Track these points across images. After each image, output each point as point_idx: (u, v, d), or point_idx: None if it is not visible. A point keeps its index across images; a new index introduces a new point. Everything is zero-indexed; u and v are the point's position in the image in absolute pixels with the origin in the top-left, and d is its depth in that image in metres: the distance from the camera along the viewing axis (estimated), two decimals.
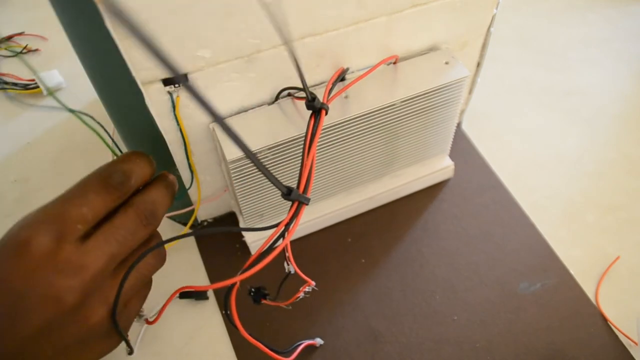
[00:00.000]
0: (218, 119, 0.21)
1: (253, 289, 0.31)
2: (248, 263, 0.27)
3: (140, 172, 0.29)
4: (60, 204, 0.26)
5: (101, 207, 0.27)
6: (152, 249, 0.28)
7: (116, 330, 0.27)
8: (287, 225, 0.28)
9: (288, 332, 0.41)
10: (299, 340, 0.39)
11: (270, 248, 0.28)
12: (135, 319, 0.31)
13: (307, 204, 0.28)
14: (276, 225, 0.28)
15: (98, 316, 0.26)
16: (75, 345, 0.26)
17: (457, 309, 0.42)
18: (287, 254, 0.29)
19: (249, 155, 0.23)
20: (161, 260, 0.30)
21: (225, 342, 0.41)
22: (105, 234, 0.27)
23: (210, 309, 0.42)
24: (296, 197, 0.28)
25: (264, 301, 0.32)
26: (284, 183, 0.39)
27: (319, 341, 0.40)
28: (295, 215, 0.28)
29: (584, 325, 0.41)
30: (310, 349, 0.40)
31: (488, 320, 0.41)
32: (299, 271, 0.31)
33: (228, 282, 0.27)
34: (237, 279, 0.27)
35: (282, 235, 0.28)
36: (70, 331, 0.26)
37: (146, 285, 0.31)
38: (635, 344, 0.40)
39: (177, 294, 0.31)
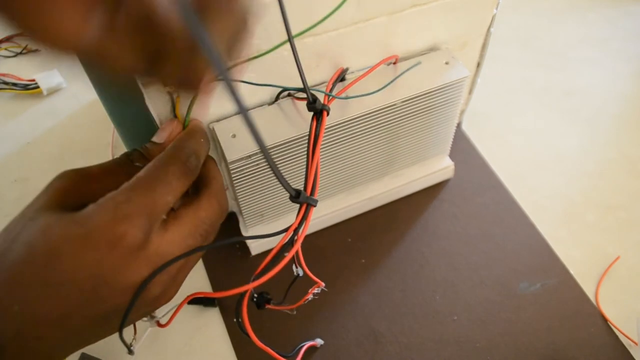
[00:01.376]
0: (244, 113, 0.20)
1: (256, 295, 0.31)
2: (260, 269, 0.27)
3: (205, 152, 0.29)
4: (148, 193, 0.25)
5: (181, 191, 0.27)
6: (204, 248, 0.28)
7: (120, 334, 0.27)
8: (297, 228, 0.27)
9: (288, 332, 0.41)
10: (299, 340, 0.39)
11: (281, 253, 0.27)
12: (147, 319, 0.31)
13: (315, 206, 0.28)
14: (285, 230, 0.27)
15: (167, 299, 0.27)
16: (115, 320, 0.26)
17: (457, 309, 0.42)
18: (298, 257, 0.29)
19: (266, 156, 0.23)
20: (223, 210, 0.29)
21: (225, 342, 0.41)
22: (191, 226, 0.27)
23: (210, 309, 0.42)
24: (305, 200, 0.27)
25: (268, 306, 0.31)
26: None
27: (319, 341, 0.40)
28: (304, 218, 0.27)
29: (584, 325, 0.41)
30: (311, 349, 0.40)
31: (488, 320, 0.41)
32: (309, 273, 0.30)
33: (240, 290, 0.26)
34: (250, 286, 0.27)
35: (292, 240, 0.28)
36: (140, 314, 0.27)
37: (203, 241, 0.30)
38: (635, 344, 0.40)
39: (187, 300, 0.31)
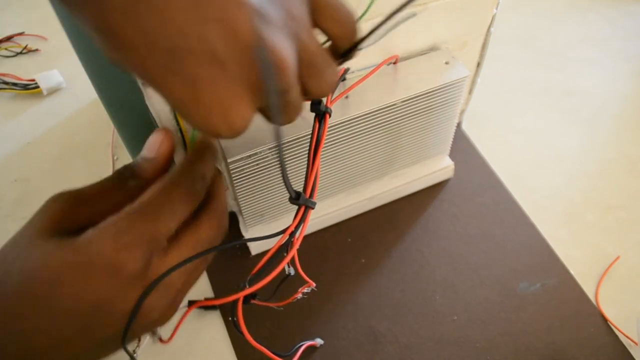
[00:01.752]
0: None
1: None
2: (255, 270, 0.27)
3: (212, 172, 0.28)
4: (150, 220, 0.25)
5: (185, 217, 0.26)
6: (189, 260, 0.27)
7: (124, 345, 0.26)
8: (294, 230, 0.27)
9: (288, 332, 0.41)
10: (299, 340, 0.39)
11: (278, 255, 0.27)
12: (149, 335, 0.31)
13: (313, 209, 0.28)
14: (283, 232, 0.27)
15: (165, 321, 0.27)
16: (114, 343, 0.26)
17: (457, 309, 0.42)
18: (292, 257, 0.29)
19: (279, 152, 0.23)
20: (222, 230, 0.29)
21: (225, 342, 0.41)
22: (191, 249, 0.26)
23: (210, 311, 0.42)
24: (304, 202, 0.27)
25: (253, 301, 0.31)
26: (281, 183, 0.39)
27: (319, 341, 0.40)
28: (302, 220, 0.27)
29: (584, 325, 0.41)
30: (311, 349, 0.40)
31: (488, 320, 0.41)
32: (302, 272, 0.30)
33: (238, 296, 0.26)
34: (248, 291, 0.26)
35: (289, 242, 0.27)
36: (139, 334, 0.26)
37: (202, 262, 0.29)
38: (635, 344, 0.40)
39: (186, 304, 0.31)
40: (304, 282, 0.32)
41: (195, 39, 0.19)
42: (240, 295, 0.26)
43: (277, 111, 0.22)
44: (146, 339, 0.41)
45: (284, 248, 0.27)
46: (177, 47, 0.19)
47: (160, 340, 0.32)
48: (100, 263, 0.23)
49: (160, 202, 0.25)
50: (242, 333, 0.28)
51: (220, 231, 0.28)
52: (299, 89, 0.23)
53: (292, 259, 0.29)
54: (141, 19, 0.18)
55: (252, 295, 0.30)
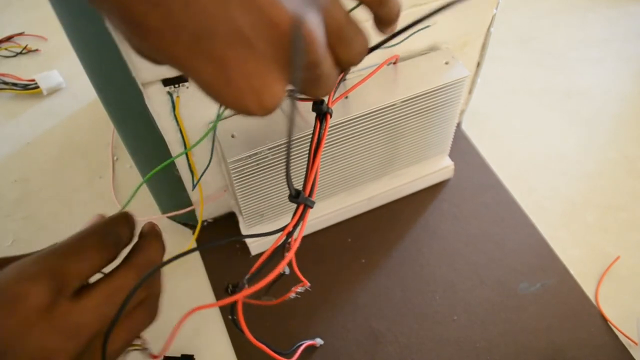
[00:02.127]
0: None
1: (231, 286, 0.30)
2: (254, 268, 0.27)
3: (129, 233, 0.28)
4: (58, 258, 0.24)
5: (98, 264, 0.26)
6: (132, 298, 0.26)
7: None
8: (293, 229, 0.27)
9: (288, 332, 0.41)
10: (299, 340, 0.39)
11: (279, 252, 0.27)
12: (140, 351, 0.30)
13: (312, 208, 0.28)
14: (282, 230, 0.27)
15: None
16: None
17: (457, 309, 0.42)
18: (290, 257, 0.29)
19: (288, 147, 0.23)
20: (151, 317, 0.28)
21: (225, 342, 0.41)
22: (104, 294, 0.25)
23: (210, 309, 0.42)
24: (303, 200, 0.27)
25: (246, 301, 0.31)
26: (284, 183, 0.39)
27: (319, 341, 0.40)
28: (301, 219, 0.27)
29: (584, 325, 0.41)
30: (310, 349, 0.40)
31: (488, 320, 0.41)
32: (297, 271, 0.30)
33: (232, 299, 0.26)
34: (242, 295, 0.26)
35: (287, 241, 0.27)
36: None
37: (132, 341, 0.28)
38: (635, 343, 0.40)
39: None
40: (300, 281, 0.32)
41: (220, 19, 0.19)
42: (239, 297, 0.26)
43: (310, 85, 0.22)
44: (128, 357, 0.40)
45: (282, 247, 0.27)
46: (203, 30, 0.19)
47: (152, 355, 0.31)
48: (2, 294, 0.23)
49: (69, 243, 0.25)
50: (242, 332, 0.28)
51: (137, 279, 0.27)
52: (331, 61, 0.23)
53: (295, 259, 0.29)
54: (165, 4, 0.18)
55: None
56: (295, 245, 0.27)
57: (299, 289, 0.32)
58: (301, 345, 0.39)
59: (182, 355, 0.39)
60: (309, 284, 0.32)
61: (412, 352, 0.40)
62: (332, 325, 0.41)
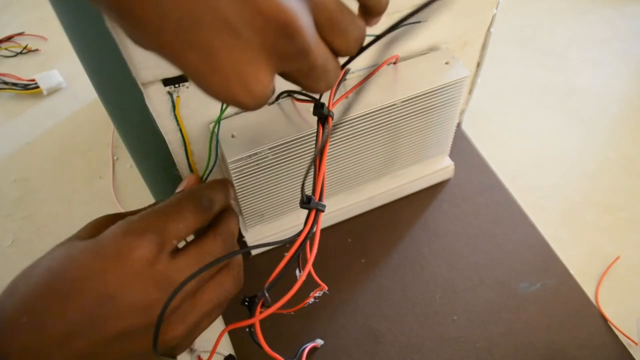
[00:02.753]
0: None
1: (247, 299, 0.31)
2: (272, 277, 0.27)
3: (222, 201, 0.31)
4: (160, 217, 0.27)
5: (194, 226, 0.28)
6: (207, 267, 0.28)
7: (154, 349, 0.26)
8: (308, 234, 0.27)
9: (288, 332, 0.41)
10: (299, 340, 0.39)
11: (293, 260, 0.27)
12: (187, 352, 0.31)
13: (323, 212, 0.28)
14: (298, 235, 0.27)
15: (175, 333, 0.27)
16: (141, 355, 0.26)
17: (457, 309, 0.42)
18: (305, 261, 0.29)
19: (317, 155, 0.23)
20: (237, 284, 0.31)
21: (225, 342, 0.41)
22: (196, 256, 0.27)
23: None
24: (314, 206, 0.28)
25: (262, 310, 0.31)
26: (284, 183, 0.39)
27: (319, 342, 0.40)
28: (314, 224, 0.27)
29: (584, 325, 0.41)
30: (311, 349, 0.40)
31: (488, 320, 0.41)
32: (315, 276, 0.30)
33: (248, 322, 0.27)
34: (262, 316, 0.27)
35: (303, 247, 0.27)
36: (145, 341, 0.26)
37: (219, 307, 0.31)
38: (635, 344, 0.40)
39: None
40: (308, 286, 0.32)
41: (205, 8, 0.19)
42: (256, 319, 0.27)
43: (306, 77, 0.22)
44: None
45: (299, 254, 0.27)
46: (189, 18, 0.19)
47: (200, 359, 0.33)
48: (108, 246, 0.25)
49: (169, 204, 0.28)
50: (260, 345, 0.28)
51: (225, 246, 0.29)
52: (325, 50, 0.23)
53: (305, 263, 0.28)
54: None
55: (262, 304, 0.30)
56: (314, 251, 0.27)
57: (317, 293, 0.32)
58: (305, 348, 0.39)
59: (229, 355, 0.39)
60: (326, 288, 0.32)
61: (412, 352, 0.40)
62: (332, 325, 0.41)
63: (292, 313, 0.33)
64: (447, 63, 0.40)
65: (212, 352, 0.31)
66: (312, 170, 0.24)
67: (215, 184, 0.31)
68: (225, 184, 0.32)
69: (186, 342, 0.29)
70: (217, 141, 0.35)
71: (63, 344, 0.24)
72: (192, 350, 0.33)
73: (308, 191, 0.29)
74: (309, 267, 0.27)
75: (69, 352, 0.24)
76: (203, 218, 0.29)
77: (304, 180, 0.26)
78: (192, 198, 0.29)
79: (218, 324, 0.42)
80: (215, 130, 0.35)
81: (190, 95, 0.33)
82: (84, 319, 0.24)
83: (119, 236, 0.26)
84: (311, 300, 0.32)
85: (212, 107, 0.35)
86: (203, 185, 0.31)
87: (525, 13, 0.66)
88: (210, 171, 0.37)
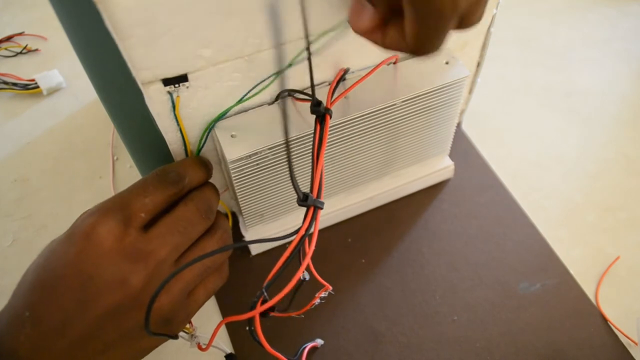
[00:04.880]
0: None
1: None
2: (270, 276, 0.27)
3: (194, 175, 0.32)
4: (122, 195, 0.29)
5: (160, 199, 0.29)
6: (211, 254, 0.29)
7: (146, 324, 0.27)
8: (306, 232, 0.27)
9: (287, 332, 0.41)
10: (298, 340, 0.39)
11: (291, 258, 0.27)
12: (187, 339, 0.32)
13: (322, 209, 0.28)
14: (295, 233, 0.27)
15: (159, 303, 0.27)
16: (136, 330, 0.27)
17: (457, 309, 0.42)
18: (307, 262, 0.29)
19: (288, 152, 0.23)
20: (221, 247, 0.32)
21: (225, 342, 0.41)
22: (167, 224, 0.29)
23: (210, 308, 0.42)
24: (312, 203, 0.27)
25: (272, 314, 0.31)
26: (284, 183, 0.39)
27: (319, 342, 0.40)
28: (312, 221, 0.27)
29: (584, 325, 0.41)
30: (311, 349, 0.40)
31: (488, 320, 0.41)
32: (318, 277, 0.30)
33: (252, 313, 0.27)
34: (260, 309, 0.27)
35: (302, 244, 0.27)
36: (134, 316, 0.27)
37: (215, 274, 0.32)
38: (635, 344, 0.40)
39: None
40: (311, 287, 0.32)
41: None
42: (256, 312, 0.27)
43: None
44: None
45: (298, 251, 0.27)
46: None
47: (199, 346, 0.33)
48: (78, 232, 0.27)
49: (135, 184, 0.30)
50: (260, 344, 0.28)
51: (197, 211, 0.30)
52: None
53: (307, 265, 0.28)
54: None
55: (270, 307, 0.30)
56: (311, 249, 0.27)
57: (323, 293, 0.32)
58: (305, 348, 0.39)
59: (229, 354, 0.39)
60: (331, 288, 0.32)
61: (412, 352, 0.40)
62: (332, 325, 0.41)
63: (302, 315, 0.33)
64: (447, 63, 0.40)
65: (211, 340, 0.31)
66: (291, 168, 0.24)
67: (187, 160, 0.33)
68: (200, 160, 0.33)
69: (179, 315, 0.29)
70: (206, 139, 0.36)
71: (62, 331, 0.25)
72: (193, 337, 0.33)
73: (307, 190, 0.29)
74: (307, 260, 0.27)
75: (70, 339, 0.26)
76: (170, 191, 0.30)
77: (292, 177, 0.26)
78: (157, 173, 0.30)
79: (217, 317, 0.42)
80: (210, 126, 0.35)
81: (190, 95, 0.33)
82: (73, 303, 0.26)
83: (85, 219, 0.27)
84: (317, 301, 0.32)
85: (212, 107, 0.35)
86: (173, 162, 0.32)
87: (525, 13, 0.66)
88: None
